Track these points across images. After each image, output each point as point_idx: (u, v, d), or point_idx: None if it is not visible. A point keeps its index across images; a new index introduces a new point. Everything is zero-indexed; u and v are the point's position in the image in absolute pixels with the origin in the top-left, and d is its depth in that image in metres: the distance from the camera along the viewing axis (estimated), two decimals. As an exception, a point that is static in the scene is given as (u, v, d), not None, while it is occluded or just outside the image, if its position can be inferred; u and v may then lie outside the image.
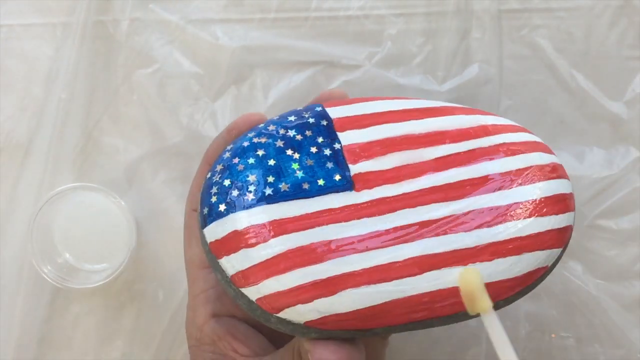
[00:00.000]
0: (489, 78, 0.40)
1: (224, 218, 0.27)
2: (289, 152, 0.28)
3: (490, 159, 0.29)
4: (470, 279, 0.25)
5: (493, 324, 0.24)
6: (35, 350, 0.39)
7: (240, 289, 0.26)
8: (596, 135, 0.40)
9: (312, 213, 0.27)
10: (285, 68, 0.41)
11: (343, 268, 0.26)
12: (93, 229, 0.40)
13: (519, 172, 0.28)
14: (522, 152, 0.29)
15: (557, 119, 0.40)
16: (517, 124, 0.31)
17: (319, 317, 0.25)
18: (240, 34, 0.40)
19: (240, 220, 0.26)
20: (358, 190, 0.27)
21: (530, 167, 0.28)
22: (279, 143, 0.28)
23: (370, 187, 0.27)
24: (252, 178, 0.27)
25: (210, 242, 0.27)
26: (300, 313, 0.25)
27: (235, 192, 0.27)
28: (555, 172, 0.29)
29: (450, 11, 0.40)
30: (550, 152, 0.30)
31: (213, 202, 0.27)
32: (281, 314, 0.26)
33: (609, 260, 0.39)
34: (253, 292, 0.26)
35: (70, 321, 0.40)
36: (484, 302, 0.24)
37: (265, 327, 0.28)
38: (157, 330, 0.40)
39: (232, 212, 0.27)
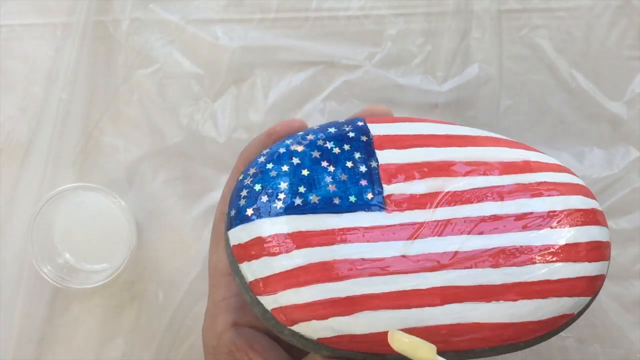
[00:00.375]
0: (489, 78, 0.40)
1: (249, 223, 0.26)
2: (324, 164, 0.27)
3: (530, 197, 0.27)
4: (398, 338, 0.24)
5: None
6: (35, 350, 0.39)
7: (257, 297, 0.26)
8: (596, 135, 0.40)
9: (339, 229, 0.26)
10: (286, 68, 0.40)
11: (364, 289, 0.25)
12: (93, 229, 0.39)
13: (557, 214, 0.27)
14: (563, 194, 0.28)
15: (557, 119, 0.40)
16: (560, 164, 0.30)
17: (333, 335, 0.25)
18: (240, 34, 0.40)
19: (266, 227, 0.26)
20: (389, 212, 0.27)
21: (570, 210, 0.27)
22: (316, 154, 0.28)
23: (402, 210, 0.27)
24: (283, 186, 0.27)
25: (233, 245, 0.27)
26: (314, 329, 0.25)
27: (264, 198, 0.27)
28: (594, 218, 0.28)
29: (450, 11, 0.40)
30: (592, 197, 0.29)
31: (241, 205, 0.27)
32: (295, 327, 0.25)
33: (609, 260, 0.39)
34: (269, 302, 0.26)
35: (70, 321, 0.40)
36: (426, 351, 0.23)
37: (284, 341, 0.27)
38: (157, 330, 0.40)
39: (258, 218, 0.26)
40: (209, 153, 0.40)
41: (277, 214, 0.26)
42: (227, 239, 0.27)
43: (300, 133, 0.29)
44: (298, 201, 0.26)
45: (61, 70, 0.40)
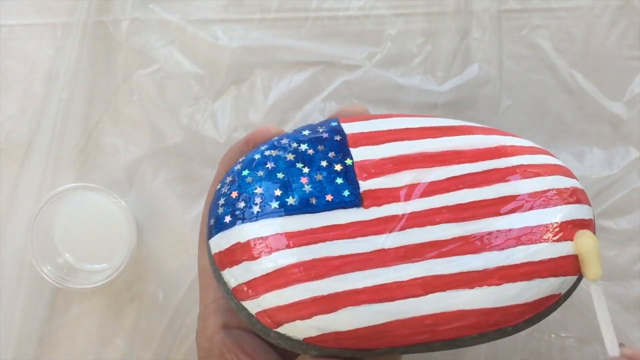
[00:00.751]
0: (489, 78, 0.40)
1: (228, 230, 0.27)
2: (299, 165, 0.28)
3: (506, 181, 0.28)
4: (587, 242, 0.24)
5: (599, 296, 0.23)
6: (35, 350, 0.39)
7: (241, 302, 0.26)
8: (596, 135, 0.40)
9: (317, 228, 0.26)
10: (285, 68, 0.40)
11: (345, 285, 0.25)
12: (93, 229, 0.39)
13: (535, 195, 0.27)
14: (541, 175, 0.28)
15: (557, 119, 0.40)
16: (538, 146, 0.30)
17: (318, 334, 0.25)
18: (240, 34, 0.40)
19: (244, 232, 0.26)
20: (366, 207, 0.27)
21: (548, 190, 0.27)
22: (290, 156, 0.28)
23: (379, 205, 0.27)
24: (259, 190, 0.27)
25: (214, 253, 0.27)
26: (299, 329, 0.25)
27: (241, 204, 0.27)
28: (574, 196, 0.28)
29: (450, 11, 0.40)
30: (571, 176, 0.29)
31: (219, 213, 0.27)
32: (280, 329, 0.25)
33: (609, 260, 0.39)
34: (253, 306, 0.26)
35: (70, 321, 0.40)
36: (596, 269, 0.24)
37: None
38: (157, 330, 0.40)
39: (236, 224, 0.26)
40: (209, 153, 0.40)
41: (255, 219, 0.26)
42: (208, 248, 0.27)
43: (275, 138, 0.30)
44: (275, 204, 0.27)
45: (61, 70, 0.40)
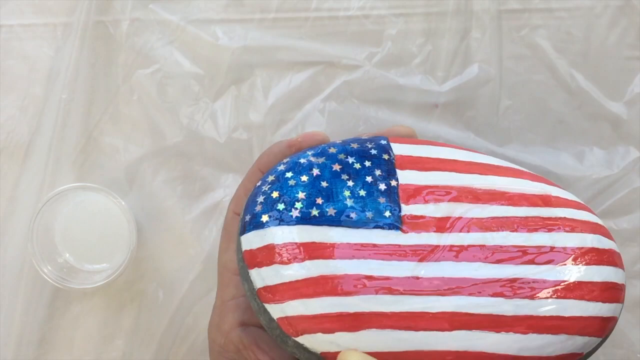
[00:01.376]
0: (489, 78, 0.40)
1: (263, 229, 0.26)
2: (344, 177, 0.27)
3: (547, 231, 0.27)
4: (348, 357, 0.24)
5: None
6: (35, 350, 0.39)
7: (264, 304, 0.26)
8: (596, 135, 0.40)
9: (353, 244, 0.26)
10: (285, 68, 0.40)
11: (372, 306, 0.25)
12: (93, 229, 0.39)
13: (574, 251, 0.27)
14: (582, 231, 0.27)
15: (557, 119, 0.40)
16: (582, 202, 0.30)
17: (337, 350, 0.25)
18: (240, 34, 0.40)
19: (279, 234, 0.26)
20: (405, 232, 0.26)
21: (587, 248, 0.27)
22: (336, 167, 0.28)
23: (418, 231, 0.27)
24: (300, 195, 0.27)
25: (245, 250, 0.26)
26: (319, 342, 0.25)
27: (280, 206, 0.27)
28: (610, 258, 0.27)
29: (450, 11, 0.40)
30: (610, 237, 0.29)
31: (257, 211, 0.27)
32: (299, 339, 0.25)
33: (609, 260, 0.39)
34: (276, 310, 0.25)
35: (70, 321, 0.40)
36: None
37: None
38: (157, 330, 0.40)
39: (273, 225, 0.26)
40: (209, 153, 0.40)
41: (292, 223, 0.26)
42: (239, 243, 0.27)
43: (323, 145, 0.29)
44: (314, 212, 0.26)
45: (61, 70, 0.40)
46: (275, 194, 0.27)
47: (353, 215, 0.26)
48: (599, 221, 0.29)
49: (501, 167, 0.30)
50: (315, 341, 0.25)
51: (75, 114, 0.40)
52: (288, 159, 0.29)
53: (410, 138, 0.31)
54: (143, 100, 0.40)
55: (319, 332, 0.25)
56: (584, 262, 0.27)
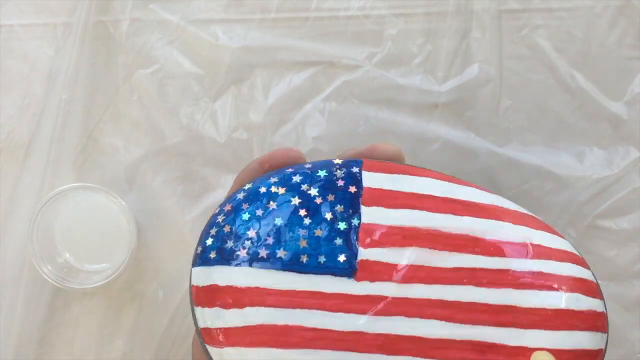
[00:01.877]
0: (489, 78, 0.40)
1: (210, 267, 0.25)
2: (302, 212, 0.25)
3: (518, 288, 0.24)
4: None
5: None
6: (35, 350, 0.39)
7: (206, 345, 0.25)
8: (596, 135, 0.40)
9: (299, 291, 0.24)
10: (286, 68, 0.40)
11: None
12: (93, 229, 0.39)
13: (544, 313, 0.24)
14: (558, 289, 0.24)
15: (557, 119, 0.40)
16: (570, 249, 0.26)
17: None
18: (240, 34, 0.40)
19: (224, 276, 0.25)
20: (358, 280, 0.24)
21: (560, 310, 0.24)
22: (295, 201, 0.25)
23: (372, 280, 0.24)
24: (251, 233, 0.25)
25: (193, 286, 0.26)
26: None
27: (230, 243, 0.25)
28: (588, 322, 0.24)
29: (450, 11, 0.40)
30: (594, 294, 0.25)
31: (207, 244, 0.26)
32: None
33: (609, 260, 0.39)
34: (215, 354, 0.25)
35: (70, 321, 0.40)
36: None
37: None
38: (157, 330, 0.39)
39: (218, 264, 0.25)
40: (209, 153, 0.40)
41: (239, 264, 0.25)
42: (190, 275, 0.26)
43: (288, 171, 0.27)
44: (263, 253, 0.25)
45: (61, 70, 0.40)
46: (227, 228, 0.26)
47: (304, 258, 0.24)
48: (584, 274, 0.26)
49: (482, 206, 0.26)
50: None
51: (75, 114, 0.40)
52: (250, 185, 0.27)
53: (389, 163, 0.28)
54: (143, 100, 0.40)
55: None
56: (553, 327, 0.24)
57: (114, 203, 0.38)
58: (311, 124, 0.40)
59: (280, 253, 0.25)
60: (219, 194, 0.40)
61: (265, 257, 0.25)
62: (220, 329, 0.24)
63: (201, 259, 0.26)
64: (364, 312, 0.24)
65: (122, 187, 0.40)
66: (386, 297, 0.24)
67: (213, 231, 0.26)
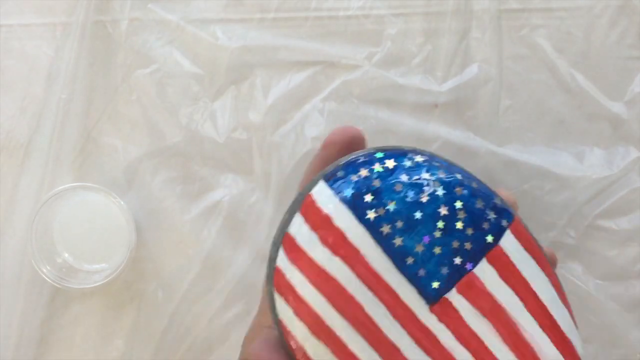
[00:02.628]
0: (488, 78, 0.40)
1: (339, 201, 0.24)
2: (440, 225, 0.25)
3: None
4: None
5: None
6: (35, 351, 0.39)
7: (278, 252, 0.24)
8: (596, 135, 0.40)
9: (383, 282, 0.24)
10: (285, 68, 0.40)
11: (348, 337, 0.24)
12: (92, 229, 0.39)
13: None
14: None
15: (557, 119, 0.40)
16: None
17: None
18: (240, 34, 0.40)
19: (343, 217, 0.24)
20: (431, 311, 0.24)
21: None
22: (443, 210, 0.25)
23: (440, 319, 0.24)
24: (389, 205, 0.24)
25: (311, 194, 0.24)
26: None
27: (368, 197, 0.24)
28: None
29: (450, 11, 0.40)
30: None
31: (352, 180, 0.24)
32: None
33: (609, 260, 0.39)
34: (282, 265, 0.24)
35: (69, 321, 0.40)
36: None
37: None
38: (157, 330, 0.39)
39: (346, 205, 0.24)
40: (208, 153, 0.40)
41: (360, 218, 0.24)
42: (312, 183, 0.25)
43: (457, 174, 0.26)
44: (385, 228, 0.24)
45: (61, 70, 0.40)
46: (375, 182, 0.24)
47: (410, 260, 0.24)
48: None
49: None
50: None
51: (75, 114, 0.40)
52: (420, 162, 0.26)
53: (534, 243, 0.27)
54: (142, 100, 0.40)
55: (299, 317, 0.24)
56: None
57: (113, 203, 0.38)
58: (310, 124, 0.40)
59: (397, 240, 0.24)
60: (218, 194, 0.40)
61: (383, 232, 0.24)
62: (303, 250, 0.24)
63: (336, 184, 0.25)
64: (414, 337, 0.24)
65: (121, 187, 0.40)
66: (438, 341, 0.24)
67: (364, 172, 0.25)
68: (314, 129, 0.40)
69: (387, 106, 0.40)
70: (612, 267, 0.39)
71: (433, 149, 0.40)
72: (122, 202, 0.38)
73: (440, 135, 0.40)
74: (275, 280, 0.25)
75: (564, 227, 0.39)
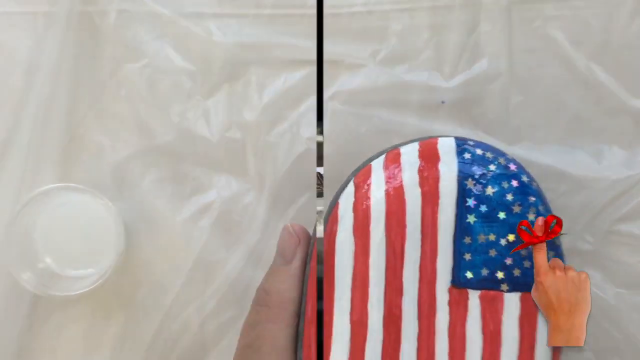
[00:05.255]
0: (499, 73, 0.39)
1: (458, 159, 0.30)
2: (522, 253, 0.29)
3: None
4: None
5: None
6: (15, 362, 0.39)
7: (343, 193, 0.30)
8: (616, 132, 0.39)
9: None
10: (282, 66, 0.40)
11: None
12: (77, 232, 0.39)
13: None
14: None
15: (573, 115, 0.39)
16: None
17: None
18: (234, 30, 0.40)
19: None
20: (449, 290, 0.27)
21: None
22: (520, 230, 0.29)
23: (450, 302, 0.27)
24: (489, 191, 0.28)
25: (400, 148, 0.30)
26: None
27: (479, 188, 0.29)
28: None
29: (458, 4, 0.39)
30: None
31: (478, 156, 0.31)
32: None
33: (630, 267, 0.38)
34: (345, 197, 0.30)
35: (52, 331, 0.39)
36: None
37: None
38: (146, 337, 0.39)
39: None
40: (201, 152, 0.40)
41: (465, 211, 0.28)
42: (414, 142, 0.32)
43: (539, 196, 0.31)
44: (470, 202, 0.28)
45: (42, 63, 0.39)
46: (492, 167, 0.29)
47: (467, 240, 0.27)
48: None
49: None
50: None
51: (58, 110, 0.40)
52: (526, 182, 0.30)
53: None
54: (131, 97, 0.40)
55: None
56: None
57: (100, 204, 0.37)
58: (310, 124, 0.40)
59: (471, 218, 0.28)
60: (211, 195, 0.40)
61: (468, 203, 0.28)
62: (401, 165, 0.28)
63: (463, 150, 0.29)
64: (420, 296, 0.27)
65: (109, 187, 0.40)
66: (434, 316, 0.27)
67: (489, 155, 0.30)
68: (310, 129, 0.40)
69: (392, 105, 0.39)
70: (633, 275, 0.38)
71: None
72: (109, 204, 0.37)
73: (447, 133, 0.39)
74: (361, 172, 0.29)
75: (580, 232, 0.38)
